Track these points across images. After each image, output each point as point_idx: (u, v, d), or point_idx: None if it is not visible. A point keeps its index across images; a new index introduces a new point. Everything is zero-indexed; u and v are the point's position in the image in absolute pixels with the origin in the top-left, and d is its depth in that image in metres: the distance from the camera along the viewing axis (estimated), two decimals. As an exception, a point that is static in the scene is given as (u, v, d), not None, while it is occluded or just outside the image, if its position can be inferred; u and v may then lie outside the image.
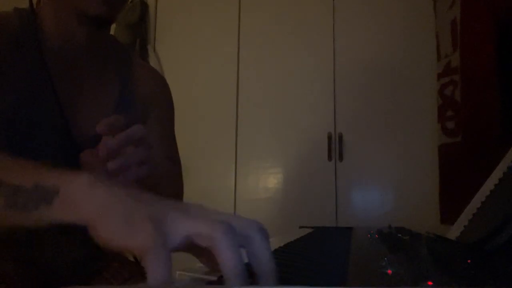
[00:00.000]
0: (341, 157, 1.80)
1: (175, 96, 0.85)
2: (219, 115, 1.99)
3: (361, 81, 1.84)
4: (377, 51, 1.84)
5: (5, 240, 0.63)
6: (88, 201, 0.33)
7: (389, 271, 0.33)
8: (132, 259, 0.79)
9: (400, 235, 0.63)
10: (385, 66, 1.82)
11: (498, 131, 1.28)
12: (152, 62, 2.08)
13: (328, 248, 0.57)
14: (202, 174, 1.96)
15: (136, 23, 2.12)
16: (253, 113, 1.96)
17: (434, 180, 1.53)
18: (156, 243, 0.28)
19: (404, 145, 1.75)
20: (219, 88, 2.03)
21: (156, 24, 2.20)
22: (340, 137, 1.81)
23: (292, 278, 0.33)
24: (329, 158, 1.80)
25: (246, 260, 0.30)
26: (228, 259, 0.28)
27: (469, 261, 0.38)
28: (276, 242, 0.59)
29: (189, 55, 2.10)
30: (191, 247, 0.30)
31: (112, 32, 0.76)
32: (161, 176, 0.63)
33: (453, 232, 0.60)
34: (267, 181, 1.89)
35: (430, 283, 0.28)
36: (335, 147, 1.81)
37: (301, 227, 1.00)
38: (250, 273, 0.29)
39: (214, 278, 0.32)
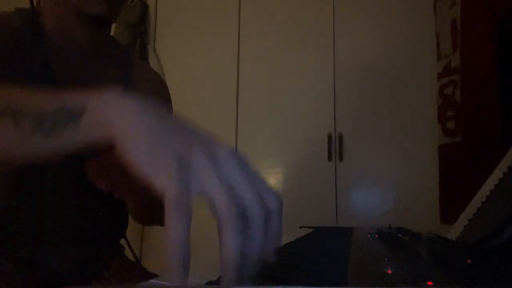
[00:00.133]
0: (341, 157, 1.80)
1: (175, 96, 0.86)
2: (219, 115, 1.99)
3: (361, 81, 1.84)
4: (377, 51, 1.84)
5: (5, 240, 0.63)
6: (115, 118, 0.31)
7: (389, 271, 0.33)
8: (132, 258, 0.79)
9: (400, 235, 0.63)
10: (385, 66, 1.82)
11: (498, 131, 1.28)
12: (152, 62, 2.08)
13: (328, 248, 0.57)
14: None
15: (136, 23, 2.12)
16: (253, 113, 1.96)
17: (434, 180, 1.53)
18: (178, 190, 0.27)
19: (404, 145, 1.75)
20: (219, 88, 2.03)
21: (156, 24, 2.20)
22: (340, 137, 1.81)
23: (292, 278, 0.33)
24: (329, 158, 1.80)
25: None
26: (229, 247, 0.27)
27: (469, 261, 0.38)
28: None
29: (189, 55, 2.10)
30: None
31: (112, 32, 0.76)
32: None
33: (453, 232, 0.60)
34: (267, 181, 1.88)
35: (430, 283, 0.28)
36: (335, 147, 1.81)
37: (301, 227, 1.00)
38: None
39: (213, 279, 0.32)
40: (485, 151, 1.25)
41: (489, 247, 0.47)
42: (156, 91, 0.81)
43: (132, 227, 0.84)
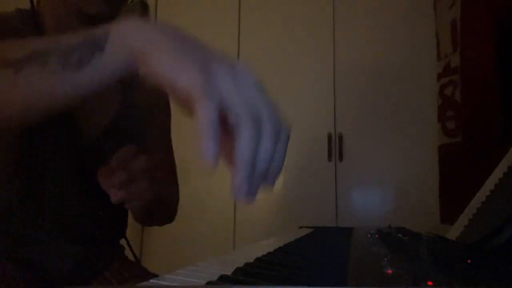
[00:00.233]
0: (341, 157, 1.80)
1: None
2: (219, 115, 1.99)
3: (361, 81, 1.84)
4: (377, 51, 1.84)
5: (5, 240, 0.63)
6: (138, 36, 0.34)
7: (389, 271, 0.33)
8: (132, 258, 0.79)
9: (400, 235, 0.63)
10: (385, 66, 1.82)
11: (498, 131, 1.28)
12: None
13: (328, 248, 0.57)
14: (202, 174, 1.96)
15: (136, 23, 2.11)
16: (253, 113, 1.96)
17: (434, 180, 1.53)
18: (203, 83, 0.29)
19: (404, 145, 1.75)
20: (219, 88, 2.03)
21: (156, 24, 2.20)
22: (340, 137, 1.81)
23: (292, 278, 0.33)
24: (329, 158, 1.80)
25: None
26: (244, 146, 0.29)
27: (469, 261, 0.38)
28: (276, 242, 0.59)
29: (189, 55, 2.10)
30: None
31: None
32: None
33: (453, 232, 0.60)
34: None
35: (430, 283, 0.28)
36: (335, 147, 1.81)
37: (301, 227, 1.00)
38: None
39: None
40: (485, 151, 1.25)
41: (489, 247, 0.47)
42: (157, 95, 0.81)
43: (132, 227, 0.84)
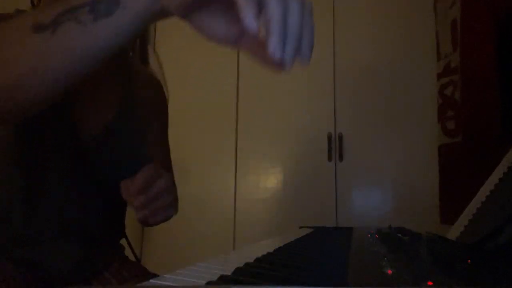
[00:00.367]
0: (341, 157, 1.80)
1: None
2: (219, 115, 1.99)
3: (361, 81, 1.84)
4: (377, 51, 1.84)
5: (5, 240, 0.63)
6: None
7: (389, 271, 0.33)
8: (132, 258, 0.79)
9: (400, 235, 0.63)
10: (385, 66, 1.82)
11: (498, 131, 1.28)
12: (152, 62, 2.08)
13: (328, 248, 0.57)
14: (202, 174, 1.96)
15: (136, 23, 2.11)
16: (253, 113, 1.96)
17: (434, 180, 1.53)
18: None
19: (404, 145, 1.75)
20: (219, 88, 2.03)
21: (156, 24, 2.20)
22: (340, 137, 1.81)
23: (292, 278, 0.33)
24: (329, 158, 1.80)
25: None
26: (274, 10, 0.31)
27: (469, 261, 0.38)
28: (276, 242, 0.59)
29: (190, 55, 2.10)
30: None
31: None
32: None
33: (453, 232, 0.60)
34: (267, 181, 1.89)
35: (430, 283, 0.28)
36: (335, 147, 1.81)
37: (301, 227, 1.00)
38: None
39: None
40: (485, 151, 1.25)
41: (489, 247, 0.47)
42: (157, 96, 0.82)
43: (132, 227, 0.84)
